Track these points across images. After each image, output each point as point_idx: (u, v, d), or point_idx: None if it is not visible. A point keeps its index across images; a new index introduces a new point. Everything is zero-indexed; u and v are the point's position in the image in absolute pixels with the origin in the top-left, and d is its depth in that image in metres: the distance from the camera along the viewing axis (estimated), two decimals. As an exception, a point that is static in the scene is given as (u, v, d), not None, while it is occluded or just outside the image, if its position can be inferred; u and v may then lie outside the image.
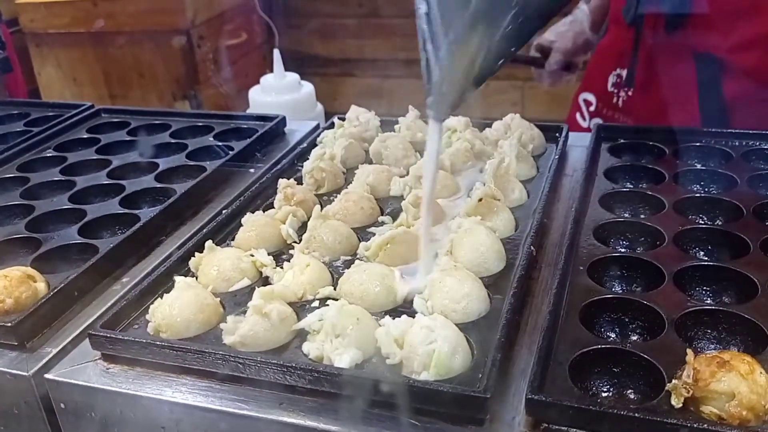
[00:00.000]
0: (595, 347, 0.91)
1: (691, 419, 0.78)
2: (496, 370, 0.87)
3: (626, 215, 1.25)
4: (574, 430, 0.82)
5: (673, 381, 0.82)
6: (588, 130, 1.70)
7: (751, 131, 1.43)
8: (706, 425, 0.76)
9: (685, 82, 1.60)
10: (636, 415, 0.79)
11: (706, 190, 1.29)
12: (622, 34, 1.68)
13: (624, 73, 1.67)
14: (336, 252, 1.15)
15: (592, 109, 1.77)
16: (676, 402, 0.81)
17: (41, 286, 1.15)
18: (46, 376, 0.99)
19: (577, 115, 1.70)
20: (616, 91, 1.70)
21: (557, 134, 1.50)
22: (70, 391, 0.98)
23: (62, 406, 1.00)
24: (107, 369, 0.99)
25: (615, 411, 0.79)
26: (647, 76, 1.64)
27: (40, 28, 3.85)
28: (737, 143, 1.42)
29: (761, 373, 0.82)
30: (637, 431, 0.79)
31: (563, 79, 1.94)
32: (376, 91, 4.53)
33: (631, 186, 1.35)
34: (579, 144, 1.53)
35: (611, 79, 1.70)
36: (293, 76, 1.98)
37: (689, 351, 0.84)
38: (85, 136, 1.79)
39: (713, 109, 1.58)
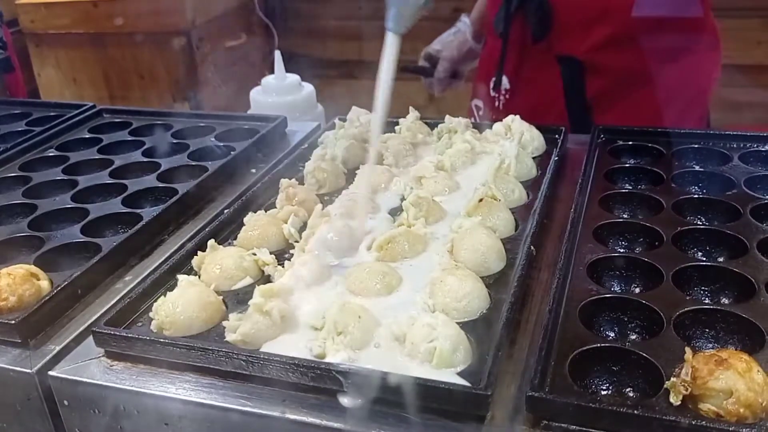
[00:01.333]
0: (594, 346, 0.92)
1: (690, 416, 0.79)
2: (497, 367, 0.88)
3: (625, 216, 1.26)
4: (574, 427, 0.82)
5: (672, 379, 0.83)
6: None
7: (748, 133, 1.44)
8: (704, 422, 0.77)
9: (552, 84, 1.76)
10: (635, 412, 0.80)
11: (705, 191, 1.30)
12: (496, 43, 1.82)
13: (504, 79, 1.83)
14: (335, 249, 1.16)
15: (481, 113, 1.92)
16: (674, 399, 0.82)
17: (45, 284, 1.15)
18: (50, 373, 1.00)
19: (472, 120, 1.80)
20: (496, 95, 1.84)
21: (557, 135, 1.51)
22: (73, 388, 0.99)
23: (65, 402, 1.00)
24: (111, 366, 1.00)
25: (614, 408, 0.80)
26: (519, 80, 1.79)
27: (40, 28, 3.86)
28: (735, 145, 1.43)
29: (758, 371, 0.83)
30: (637, 428, 0.80)
31: (451, 86, 2.10)
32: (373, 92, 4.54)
33: (630, 187, 1.36)
34: (578, 145, 1.54)
35: (492, 84, 1.85)
36: (294, 78, 1.98)
37: (688, 349, 0.85)
38: (87, 136, 1.80)
39: (578, 107, 1.74)
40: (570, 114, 1.76)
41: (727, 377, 0.81)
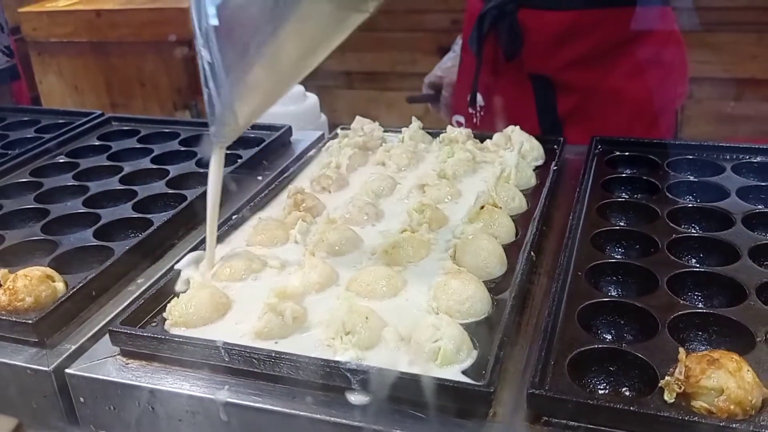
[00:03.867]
0: (592, 347, 0.96)
1: (683, 413, 0.83)
2: (499, 366, 0.92)
3: (622, 224, 1.30)
4: (573, 423, 0.86)
5: (666, 378, 0.87)
6: None
7: (741, 145, 1.49)
8: (696, 418, 0.81)
9: (525, 100, 1.82)
10: (631, 408, 0.84)
11: (699, 200, 1.35)
12: (472, 61, 1.89)
13: (479, 96, 1.90)
14: (342, 254, 1.20)
15: (463, 128, 1.94)
16: (668, 397, 0.86)
17: (60, 285, 1.19)
18: (67, 370, 1.03)
19: None
20: (473, 111, 1.91)
21: (555, 146, 1.56)
22: (90, 385, 1.03)
23: (81, 400, 1.04)
24: (126, 364, 1.04)
25: (611, 405, 0.84)
26: (493, 97, 1.86)
27: (42, 36, 3.90)
28: (728, 156, 1.47)
29: (748, 370, 0.87)
30: (632, 424, 0.84)
31: None
32: (375, 103, 4.59)
33: (627, 196, 1.40)
34: (575, 155, 1.58)
35: (469, 101, 1.91)
36: (298, 88, 2.03)
37: (681, 350, 0.89)
38: (96, 143, 1.83)
39: (550, 123, 1.81)
40: (542, 130, 1.82)
41: (718, 376, 0.85)
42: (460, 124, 2.02)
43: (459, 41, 2.12)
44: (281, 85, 1.10)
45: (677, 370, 0.87)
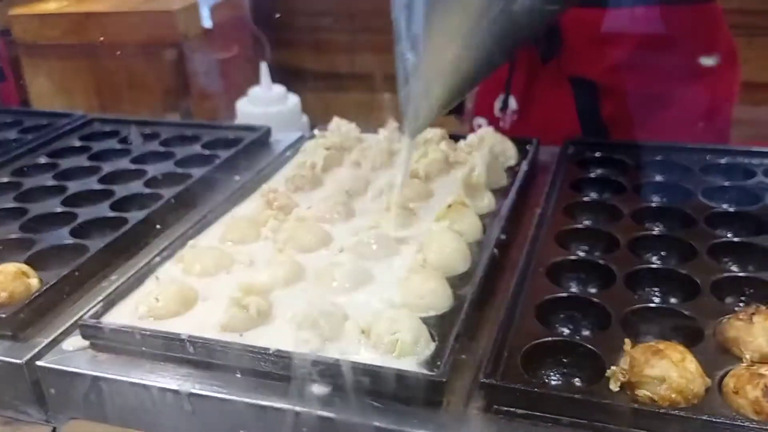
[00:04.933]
0: (546, 339, 0.99)
1: (623, 400, 0.86)
2: (453, 357, 0.95)
3: (587, 222, 1.33)
4: (522, 411, 0.89)
5: (612, 368, 0.90)
6: None
7: (708, 146, 1.52)
8: (635, 405, 0.85)
9: (565, 105, 1.74)
10: (575, 396, 0.87)
11: (665, 200, 1.38)
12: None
13: (510, 99, 1.83)
14: (311, 251, 1.23)
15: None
16: (613, 386, 0.89)
17: (34, 281, 1.21)
18: (38, 363, 1.06)
19: None
20: (502, 115, 1.84)
21: (528, 147, 1.59)
22: (60, 377, 1.05)
23: (52, 391, 1.07)
24: (95, 357, 1.06)
25: (556, 393, 0.87)
26: (527, 100, 1.78)
27: (32, 39, 3.91)
28: (696, 158, 1.51)
29: (692, 361, 0.90)
30: (576, 412, 0.87)
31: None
32: (367, 105, 4.62)
33: (595, 196, 1.43)
34: (550, 156, 1.61)
35: (497, 104, 1.84)
36: (280, 89, 2.06)
37: (627, 340, 0.92)
38: (77, 144, 1.86)
39: (593, 129, 1.72)
40: (585, 134, 1.74)
41: (661, 366, 0.88)
42: (480, 127, 1.90)
43: None
44: (471, 82, 1.26)
45: (622, 360, 0.90)
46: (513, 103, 1.82)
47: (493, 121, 1.89)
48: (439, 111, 1.23)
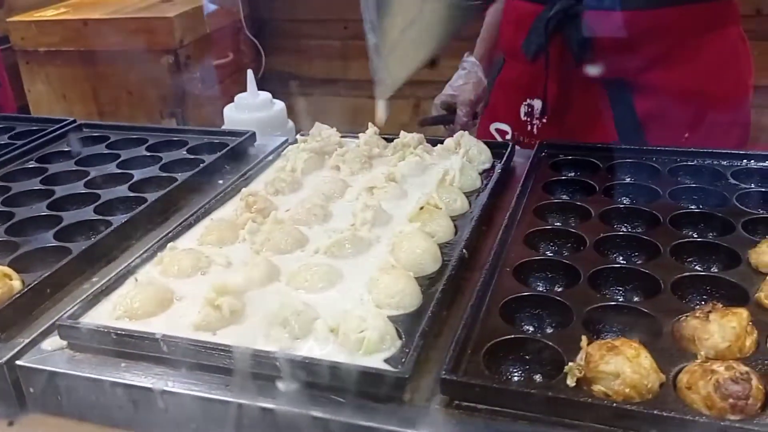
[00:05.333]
0: (507, 336, 1.02)
1: (580, 395, 0.89)
2: (417, 354, 0.98)
3: (557, 223, 1.36)
4: (481, 406, 0.92)
5: (569, 363, 0.93)
6: None
7: (678, 149, 1.55)
8: (588, 399, 0.88)
9: (598, 105, 1.75)
10: (531, 391, 0.90)
11: (632, 201, 1.41)
12: (525, 68, 1.82)
13: (535, 103, 1.83)
14: (287, 252, 1.26)
15: (508, 137, 1.93)
16: (570, 381, 0.92)
17: (16, 283, 1.24)
18: (17, 362, 1.09)
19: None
20: (528, 119, 1.85)
21: (504, 150, 1.62)
22: (37, 376, 1.08)
23: (31, 390, 1.10)
24: (73, 357, 1.09)
25: (513, 388, 0.90)
26: (559, 103, 1.78)
27: (30, 45, 3.96)
28: (666, 159, 1.54)
29: (646, 357, 0.93)
30: (533, 406, 0.90)
31: (473, 128, 2.09)
32: (360, 111, 4.66)
33: (566, 198, 1.46)
34: (525, 159, 1.64)
35: (523, 110, 1.85)
36: (265, 95, 2.08)
37: (584, 337, 0.95)
38: (66, 149, 1.89)
39: (629, 128, 1.73)
40: (620, 134, 1.75)
41: (616, 361, 0.91)
42: (503, 133, 1.96)
43: (469, 58, 2.09)
44: (420, 52, 1.54)
45: (579, 356, 0.93)
46: (539, 106, 1.83)
47: (518, 126, 1.90)
48: (399, 78, 1.47)
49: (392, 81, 1.47)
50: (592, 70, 1.70)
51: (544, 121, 1.85)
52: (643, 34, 1.68)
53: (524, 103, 1.86)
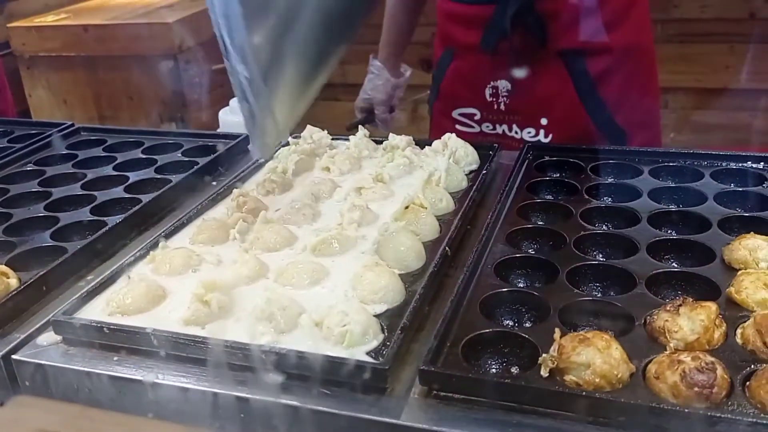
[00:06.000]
0: (486, 330, 1.06)
1: (552, 385, 0.93)
2: (398, 347, 1.01)
3: (540, 222, 1.40)
4: (458, 395, 0.96)
5: (543, 355, 0.97)
6: (480, 133, 2.04)
7: (659, 150, 1.59)
8: (557, 387, 0.91)
9: (557, 73, 1.90)
10: (506, 381, 0.93)
11: (615, 201, 1.45)
12: (483, 57, 1.95)
13: (500, 83, 1.97)
14: (275, 250, 1.30)
15: (477, 117, 2.05)
16: (544, 372, 0.95)
17: (13, 281, 1.28)
18: (13, 356, 1.13)
19: (458, 126, 2.02)
20: (495, 99, 1.99)
21: (490, 152, 1.66)
22: (32, 369, 1.12)
23: (27, 383, 1.13)
24: (67, 351, 1.13)
25: (489, 378, 0.94)
26: (523, 80, 1.92)
27: (30, 51, 4.00)
28: (647, 160, 1.57)
29: (617, 348, 0.96)
30: (507, 395, 0.93)
31: (394, 120, 2.33)
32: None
33: (550, 197, 1.50)
34: (511, 161, 1.68)
35: (488, 91, 1.99)
36: (259, 99, 2.13)
37: (557, 329, 0.99)
38: (63, 152, 1.94)
39: (585, 88, 1.90)
40: (579, 93, 1.90)
41: (587, 352, 0.94)
42: (470, 116, 2.06)
43: (374, 62, 2.28)
44: (312, 85, 1.28)
45: (552, 348, 0.96)
46: (503, 86, 1.97)
47: (485, 107, 2.03)
48: (289, 122, 1.26)
49: (276, 128, 1.24)
50: (551, 46, 1.87)
51: (507, 98, 1.98)
52: (589, 9, 1.86)
53: (488, 85, 1.98)
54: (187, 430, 1.03)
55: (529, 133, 1.95)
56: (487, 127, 2.03)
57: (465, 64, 2.06)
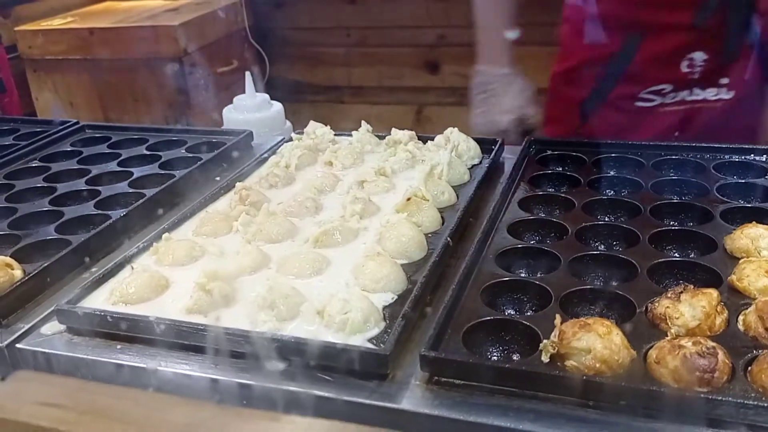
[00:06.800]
0: (486, 318, 1.06)
1: (552, 370, 0.93)
2: (399, 333, 1.02)
3: (542, 214, 1.40)
4: (459, 381, 0.96)
5: (544, 341, 0.97)
6: (661, 105, 1.94)
7: (662, 143, 1.60)
8: (557, 372, 0.91)
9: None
10: (506, 366, 0.93)
11: (615, 193, 1.45)
12: (679, 34, 1.89)
13: (695, 55, 1.90)
14: (277, 242, 1.31)
15: (666, 91, 1.96)
16: (544, 357, 0.95)
17: (18, 272, 1.29)
18: (17, 345, 1.14)
19: (637, 104, 1.94)
20: (690, 70, 1.92)
21: (493, 146, 1.66)
22: (37, 358, 1.13)
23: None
24: (71, 339, 1.14)
25: (489, 364, 0.94)
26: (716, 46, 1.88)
27: (37, 54, 4.03)
28: (650, 153, 1.57)
29: (617, 334, 0.96)
30: (508, 381, 0.93)
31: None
32: (364, 117, 4.70)
33: (552, 190, 1.50)
34: (513, 155, 1.68)
35: (684, 63, 1.91)
36: (263, 96, 2.13)
37: (558, 316, 0.99)
38: (68, 149, 1.95)
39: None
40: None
41: (587, 338, 0.94)
42: (660, 92, 1.97)
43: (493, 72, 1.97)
44: None
45: (553, 333, 0.96)
46: (699, 57, 1.91)
47: (677, 80, 1.93)
48: None
49: None
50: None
51: (704, 63, 1.92)
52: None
53: (685, 58, 1.92)
54: (187, 402, 1.03)
55: (711, 92, 1.90)
56: (672, 97, 1.92)
57: (659, 43, 1.98)
